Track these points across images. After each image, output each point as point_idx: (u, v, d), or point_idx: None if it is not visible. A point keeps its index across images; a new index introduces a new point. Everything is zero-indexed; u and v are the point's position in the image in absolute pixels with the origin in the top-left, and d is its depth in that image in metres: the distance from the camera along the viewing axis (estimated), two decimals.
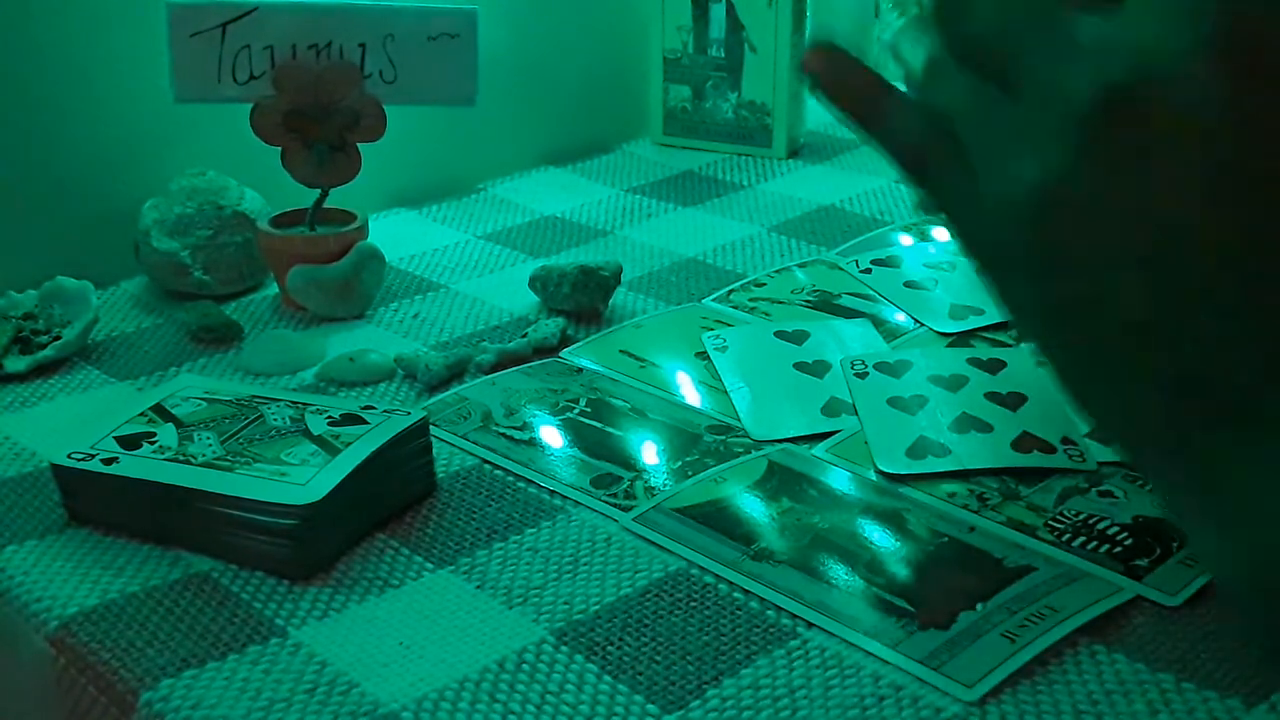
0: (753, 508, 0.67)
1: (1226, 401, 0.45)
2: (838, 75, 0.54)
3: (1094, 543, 0.63)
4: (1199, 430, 0.46)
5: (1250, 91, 0.42)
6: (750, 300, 0.91)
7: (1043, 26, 0.46)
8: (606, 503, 0.69)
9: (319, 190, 0.91)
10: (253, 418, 0.70)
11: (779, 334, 0.85)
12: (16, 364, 0.83)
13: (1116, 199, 0.44)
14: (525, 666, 0.58)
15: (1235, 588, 0.49)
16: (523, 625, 0.60)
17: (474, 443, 0.74)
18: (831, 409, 0.76)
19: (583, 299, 0.88)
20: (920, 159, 0.52)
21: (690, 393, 0.79)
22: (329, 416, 0.70)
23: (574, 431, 0.75)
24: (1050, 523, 0.65)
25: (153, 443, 0.68)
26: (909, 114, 0.52)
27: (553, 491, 0.70)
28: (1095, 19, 0.45)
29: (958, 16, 0.49)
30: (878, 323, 0.87)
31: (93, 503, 0.68)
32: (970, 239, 0.51)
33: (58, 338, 0.85)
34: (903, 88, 0.53)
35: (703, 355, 0.83)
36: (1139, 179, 0.44)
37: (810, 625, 0.59)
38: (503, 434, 0.75)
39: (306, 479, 0.64)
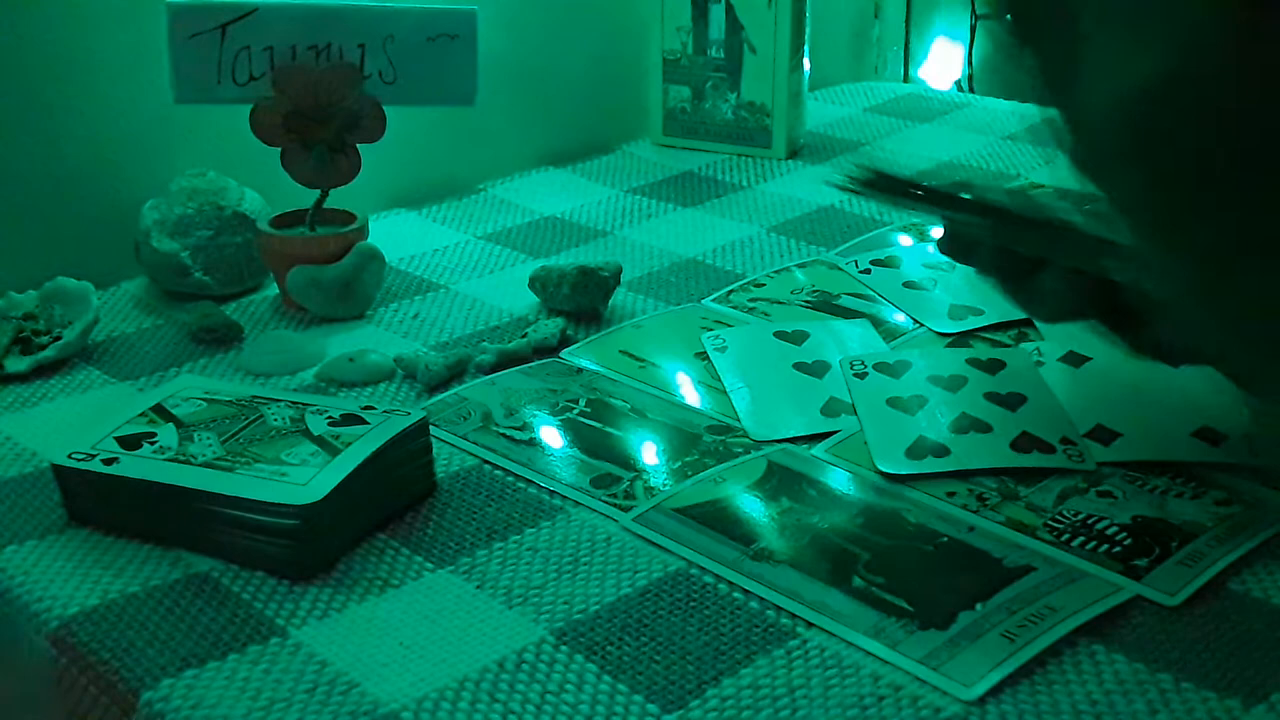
0: (752, 508, 0.67)
1: None
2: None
3: (1093, 543, 0.64)
4: None
5: None
6: (750, 300, 0.91)
7: None
8: (606, 503, 0.69)
9: (319, 191, 0.91)
10: (253, 418, 0.70)
11: (779, 334, 0.85)
12: (17, 364, 0.83)
13: (1238, 78, 0.43)
14: (525, 666, 0.58)
15: None
16: (523, 625, 0.60)
17: (474, 443, 0.74)
18: (831, 409, 0.76)
19: (582, 299, 0.89)
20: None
21: (690, 393, 0.79)
22: (329, 417, 0.70)
23: (574, 431, 0.75)
24: (1049, 523, 0.65)
25: (153, 443, 0.68)
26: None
27: (553, 491, 0.70)
28: None
29: None
30: (877, 323, 0.87)
31: (93, 503, 0.68)
32: (1079, 128, 0.50)
33: (58, 338, 0.85)
34: None
35: (702, 355, 0.83)
36: (1263, 55, 0.42)
37: (810, 625, 0.59)
38: (503, 434, 0.75)
39: (307, 479, 0.64)
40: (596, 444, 0.74)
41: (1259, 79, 0.43)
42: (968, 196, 0.75)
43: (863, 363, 0.80)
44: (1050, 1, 0.50)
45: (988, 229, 0.72)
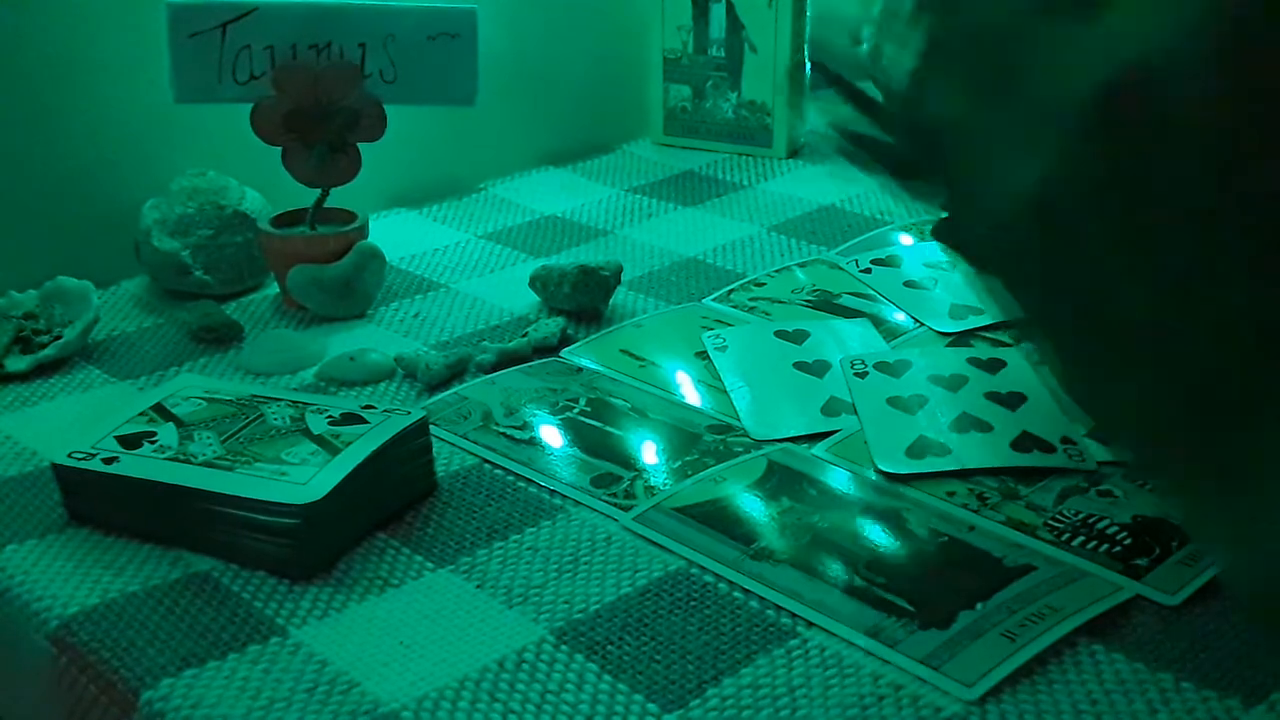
0: (752, 507, 0.67)
1: (1249, 399, 0.44)
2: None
3: (1093, 542, 0.64)
4: (1220, 430, 0.44)
5: (1245, 88, 0.42)
6: (750, 300, 0.91)
7: (1040, 21, 0.46)
8: (606, 502, 0.69)
9: (319, 190, 0.91)
10: (253, 417, 0.70)
11: (779, 334, 0.85)
12: (18, 363, 0.83)
13: (1114, 193, 0.44)
14: (525, 666, 0.58)
15: (1243, 590, 0.48)
16: (523, 625, 0.60)
17: (474, 442, 0.74)
18: (831, 409, 0.76)
19: (583, 299, 0.89)
20: (909, 170, 0.52)
21: (690, 392, 0.79)
22: (329, 416, 0.70)
23: (574, 431, 0.75)
24: (1050, 522, 0.65)
25: (153, 442, 0.68)
26: (895, 128, 0.52)
27: (553, 491, 0.70)
28: (1092, 12, 0.45)
29: (953, 8, 0.49)
30: (878, 322, 0.87)
31: (93, 502, 0.68)
32: (968, 243, 0.50)
33: (59, 337, 0.85)
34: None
35: (703, 355, 0.83)
36: (1136, 172, 0.43)
37: (810, 625, 0.59)
38: (503, 433, 0.75)
39: (307, 478, 0.64)
40: (597, 443, 0.74)
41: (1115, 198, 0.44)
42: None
43: (863, 362, 0.80)
44: (934, 133, 0.50)
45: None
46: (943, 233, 0.69)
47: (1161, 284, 0.44)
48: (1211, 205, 0.43)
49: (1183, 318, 0.44)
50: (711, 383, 0.80)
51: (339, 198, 0.92)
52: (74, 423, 0.77)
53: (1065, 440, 0.71)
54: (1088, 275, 0.45)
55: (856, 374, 0.79)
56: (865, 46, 0.66)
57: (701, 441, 0.73)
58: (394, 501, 0.69)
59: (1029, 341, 0.51)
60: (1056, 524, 0.65)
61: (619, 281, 0.90)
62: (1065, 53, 0.44)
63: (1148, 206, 0.43)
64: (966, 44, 0.48)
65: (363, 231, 0.92)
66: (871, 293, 0.91)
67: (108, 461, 0.67)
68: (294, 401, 0.72)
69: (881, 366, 0.80)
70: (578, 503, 0.69)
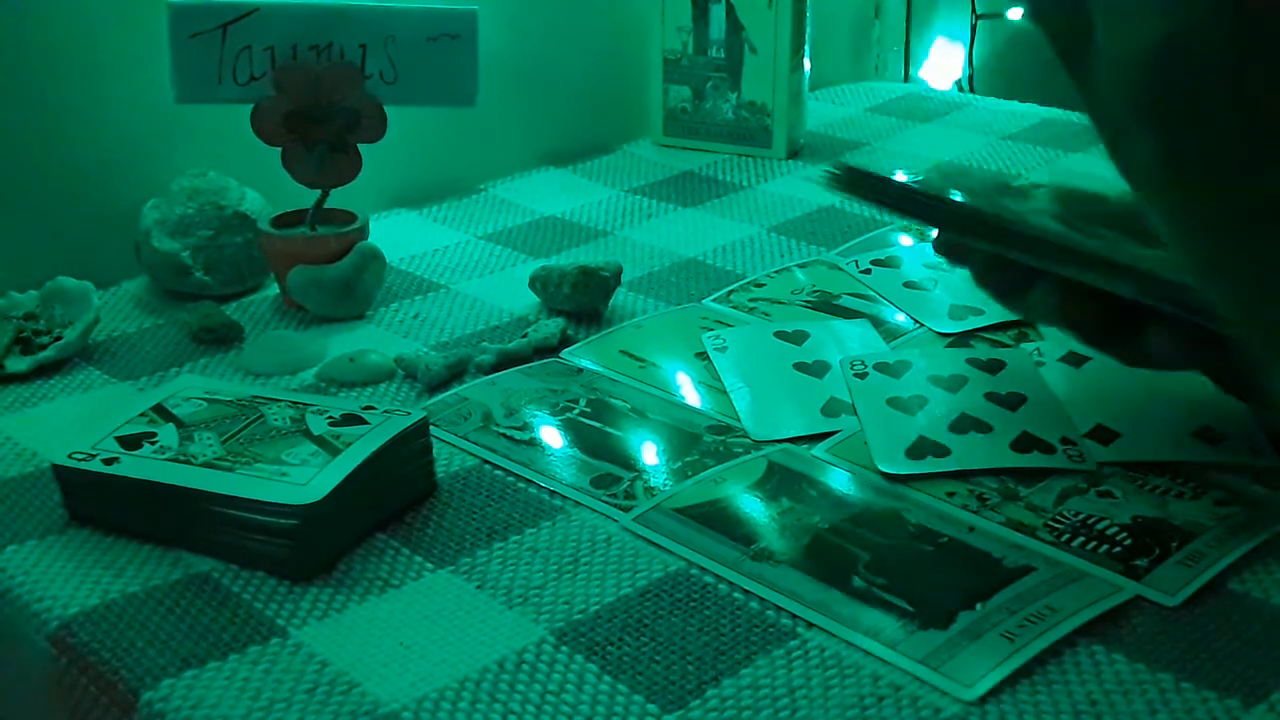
0: (752, 508, 0.67)
1: None
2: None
3: (1093, 543, 0.64)
4: None
5: None
6: (750, 300, 0.91)
7: None
8: (606, 503, 0.69)
9: (320, 191, 0.91)
10: (253, 418, 0.70)
11: (779, 334, 0.85)
12: (18, 364, 0.83)
13: (1237, 49, 0.43)
14: (525, 666, 0.58)
15: None
16: (523, 625, 0.60)
17: (474, 443, 0.74)
18: (831, 409, 0.76)
19: (583, 299, 0.89)
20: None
21: (690, 393, 0.79)
22: (329, 417, 0.70)
23: (574, 432, 0.75)
24: (1050, 523, 0.65)
25: (153, 443, 0.68)
26: None
27: (553, 491, 0.70)
28: None
29: None
30: (877, 323, 0.87)
31: (93, 503, 0.68)
32: (1093, 96, 0.50)
33: (59, 338, 0.85)
34: None
35: (703, 355, 0.83)
36: (1260, 30, 0.42)
37: (810, 625, 0.59)
38: (503, 434, 0.75)
39: (307, 479, 0.64)
40: (597, 444, 0.74)
41: (1257, 42, 0.43)
42: (946, 202, 0.74)
43: (863, 363, 0.80)
44: None
45: (975, 236, 0.71)
46: (942, 245, 0.68)
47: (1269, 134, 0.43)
48: None
49: None
50: (711, 383, 0.80)
51: (339, 198, 0.92)
52: (74, 423, 0.77)
53: (1065, 441, 0.71)
54: (1218, 124, 0.45)
55: (856, 375, 0.79)
56: None
57: (701, 442, 0.73)
58: (394, 502, 0.69)
59: (1152, 199, 0.49)
60: (1056, 525, 0.65)
61: (619, 282, 0.90)
62: None
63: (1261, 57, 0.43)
64: None
65: (363, 232, 0.92)
66: (871, 293, 0.91)
67: (108, 462, 0.67)
68: (294, 402, 0.72)
69: (881, 367, 0.80)
70: (578, 503, 0.69)
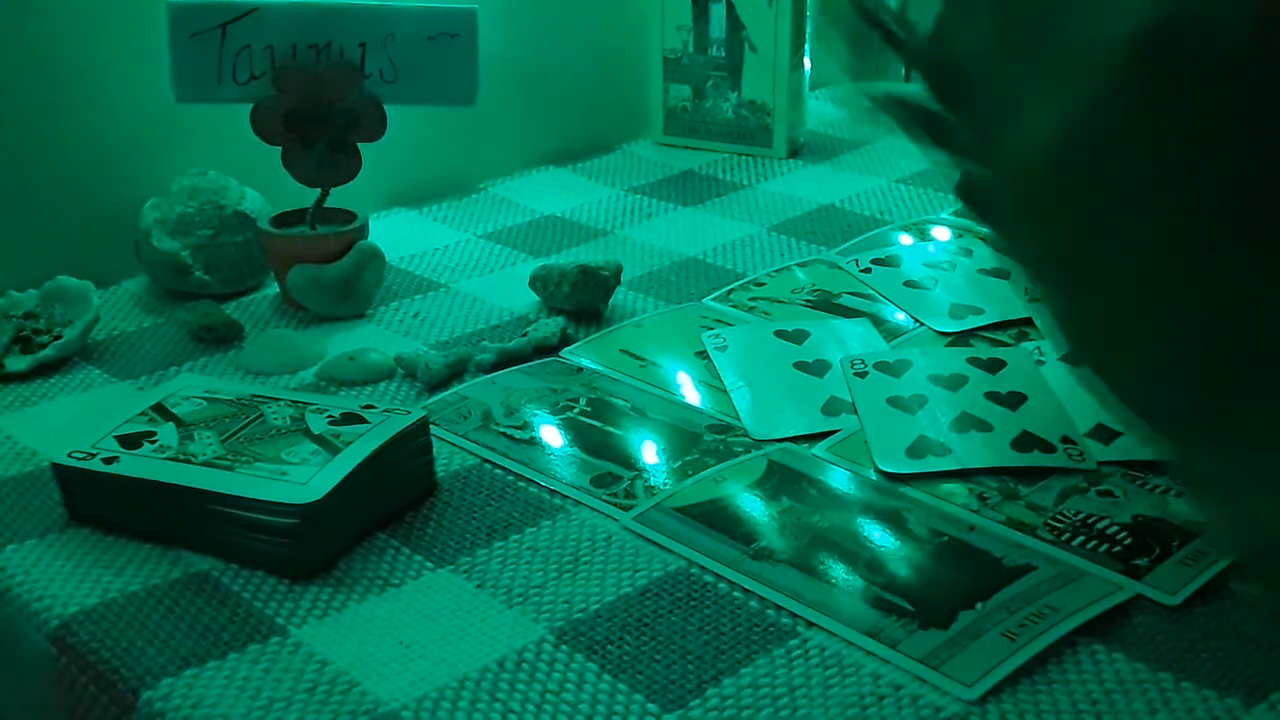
0: (752, 507, 0.67)
1: (1256, 352, 0.43)
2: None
3: (1093, 542, 0.64)
4: (1226, 386, 0.44)
5: (1273, 37, 0.41)
6: (750, 300, 0.91)
7: None
8: (606, 502, 0.69)
9: (319, 190, 0.91)
10: (253, 417, 0.70)
11: (779, 333, 0.85)
12: (17, 363, 0.83)
13: (1139, 144, 0.43)
14: (525, 666, 0.58)
15: (1240, 548, 0.48)
16: (523, 624, 0.60)
17: (474, 442, 0.74)
18: (831, 408, 0.76)
19: (583, 298, 0.89)
20: (934, 118, 0.51)
21: (690, 392, 0.79)
22: (329, 416, 0.70)
23: (574, 431, 0.75)
24: (1050, 522, 0.65)
25: (153, 442, 0.68)
26: (920, 67, 0.51)
27: (553, 491, 0.70)
28: None
29: None
30: (878, 322, 0.87)
31: (93, 502, 0.68)
32: (988, 197, 0.50)
33: (59, 337, 0.85)
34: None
35: (703, 355, 0.83)
36: (1163, 125, 0.43)
37: (810, 625, 0.59)
38: (503, 433, 0.75)
39: (307, 478, 0.64)
40: (597, 443, 0.74)
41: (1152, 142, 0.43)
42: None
43: (863, 362, 0.80)
44: (961, 75, 0.50)
45: None
46: (964, 189, 0.68)
47: (1176, 243, 0.43)
48: (1239, 167, 0.42)
49: (1192, 278, 0.43)
50: (711, 382, 0.80)
51: (339, 198, 0.92)
52: (74, 423, 0.77)
53: (1065, 440, 0.71)
54: (1104, 228, 0.45)
55: (856, 374, 0.79)
56: None
57: (701, 441, 0.73)
58: (394, 501, 0.69)
59: (1042, 292, 0.50)
60: (1056, 524, 0.65)
61: (619, 281, 0.90)
62: None
63: (1172, 162, 0.43)
64: None
65: (363, 231, 0.92)
66: (871, 292, 0.91)
67: (108, 461, 0.67)
68: (294, 401, 0.72)
69: (881, 366, 0.80)
70: (578, 503, 0.69)
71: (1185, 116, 0.42)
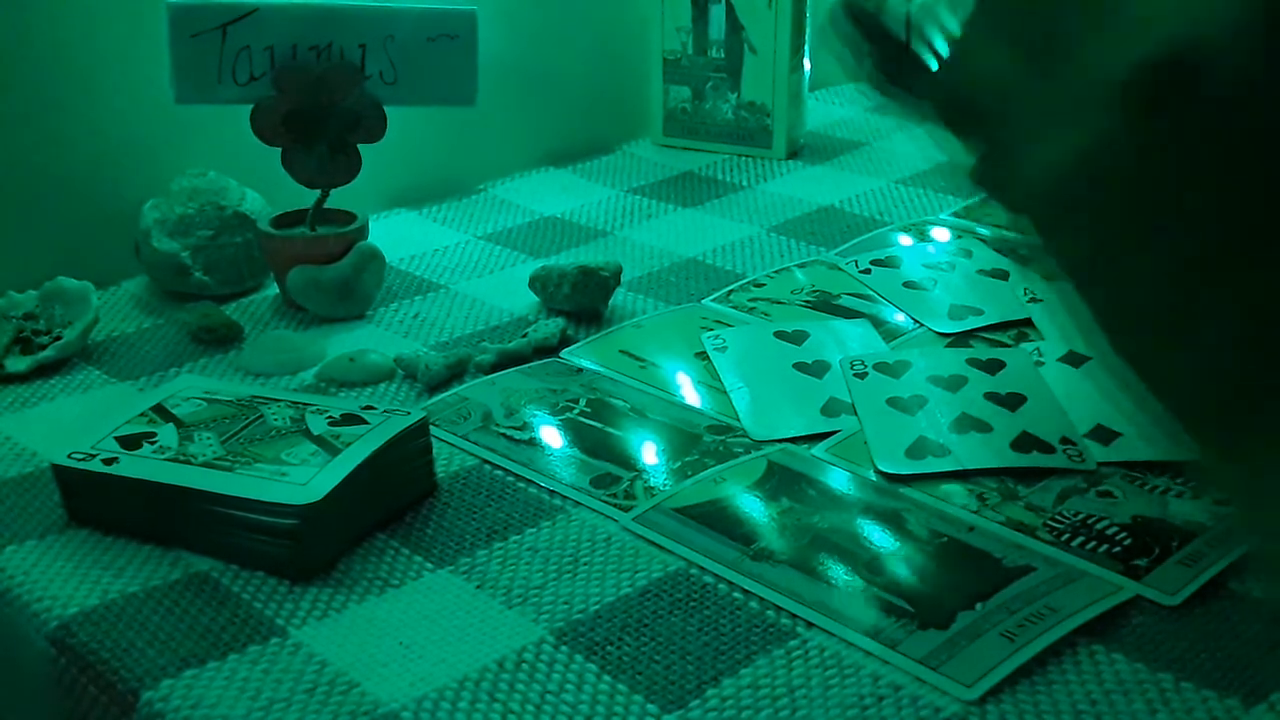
0: (752, 508, 0.67)
1: (1257, 385, 0.43)
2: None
3: (1093, 542, 0.64)
4: (1260, 393, 0.44)
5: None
6: (750, 300, 0.91)
7: None
8: (606, 503, 0.69)
9: (319, 191, 0.91)
10: (253, 418, 0.70)
11: (779, 334, 0.85)
12: (17, 364, 0.83)
13: (1152, 172, 0.43)
14: (525, 666, 0.58)
15: (1263, 554, 0.48)
16: (523, 625, 0.60)
17: (474, 443, 0.74)
18: (831, 409, 0.76)
19: (583, 299, 0.89)
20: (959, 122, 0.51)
21: (690, 393, 0.79)
22: (329, 416, 0.70)
23: (574, 431, 0.75)
24: (1049, 523, 0.65)
25: (153, 443, 0.68)
26: (936, 90, 0.52)
27: (553, 491, 0.70)
28: None
29: None
30: (877, 323, 0.87)
31: (93, 503, 0.68)
32: (1009, 204, 0.50)
33: (58, 338, 0.85)
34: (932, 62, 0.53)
35: (702, 355, 0.83)
36: (1176, 153, 0.43)
37: (810, 625, 0.59)
38: (503, 434, 0.75)
39: (307, 479, 0.64)
40: (596, 444, 0.74)
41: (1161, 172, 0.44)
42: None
43: (863, 362, 0.80)
44: (972, 104, 0.50)
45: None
46: (980, 177, 0.68)
47: (1190, 266, 0.44)
48: (1250, 191, 0.42)
49: (1210, 299, 0.44)
50: (711, 383, 0.80)
51: (339, 198, 0.92)
52: (74, 423, 0.77)
53: (1065, 441, 0.71)
54: (1116, 252, 0.45)
55: (856, 374, 0.79)
56: (913, 4, 0.65)
57: (701, 442, 0.73)
58: (394, 502, 0.69)
59: (1067, 286, 0.50)
60: (1056, 524, 0.65)
61: (618, 282, 0.90)
62: (1114, 22, 0.44)
63: (1185, 187, 0.43)
64: (1017, 7, 0.48)
65: (363, 232, 0.92)
66: (871, 293, 0.91)
67: (108, 462, 0.67)
68: (294, 402, 0.72)
69: (881, 367, 0.80)
70: (577, 503, 0.69)
71: (1194, 144, 0.42)
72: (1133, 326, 0.48)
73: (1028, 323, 0.85)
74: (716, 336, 0.85)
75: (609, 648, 0.59)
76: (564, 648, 0.59)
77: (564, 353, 0.84)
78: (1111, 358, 0.49)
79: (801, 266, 0.97)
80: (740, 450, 0.72)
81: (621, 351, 0.84)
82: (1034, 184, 0.46)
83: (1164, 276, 0.45)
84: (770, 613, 0.60)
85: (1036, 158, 0.46)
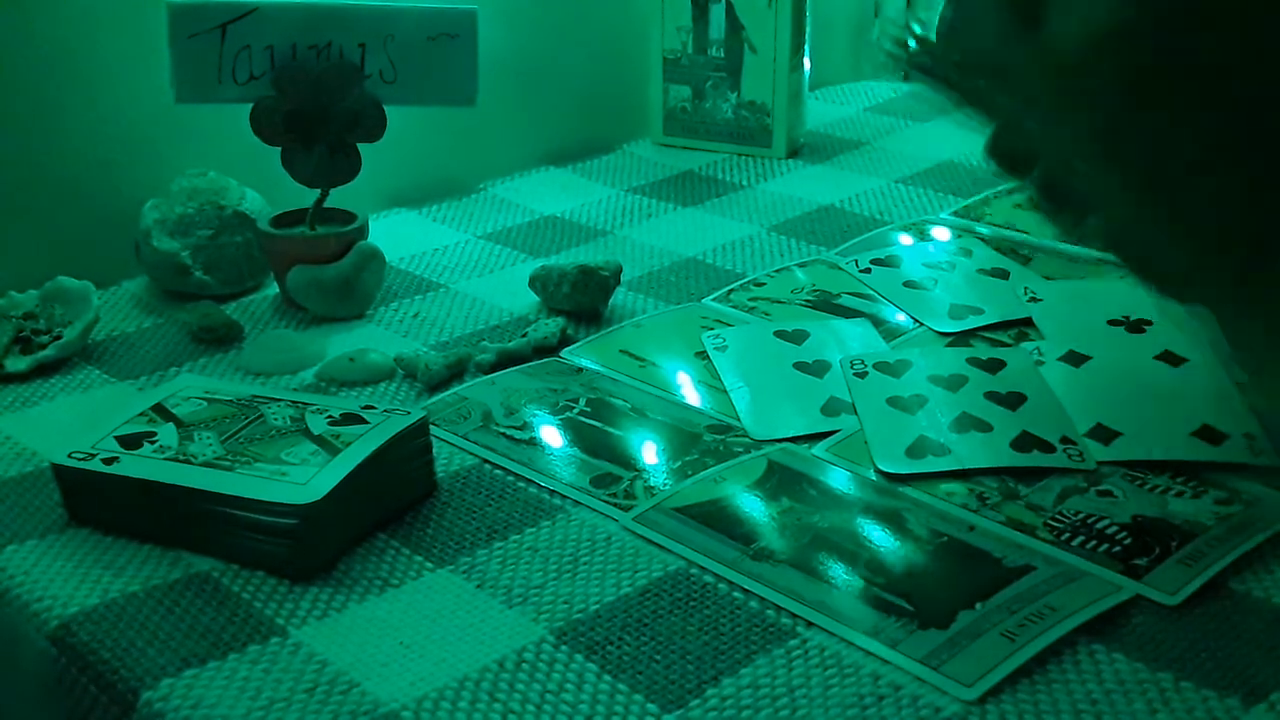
0: (752, 507, 0.67)
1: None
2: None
3: (1093, 542, 0.64)
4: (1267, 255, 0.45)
5: None
6: (750, 300, 0.91)
7: None
8: (606, 502, 0.69)
9: (319, 190, 0.91)
10: (253, 417, 0.70)
11: (779, 334, 0.85)
12: (17, 364, 0.83)
13: (1187, 28, 0.44)
14: (525, 666, 0.58)
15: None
16: (523, 625, 0.60)
17: (474, 442, 0.74)
18: (831, 409, 0.76)
19: (582, 299, 0.89)
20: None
21: (690, 392, 0.79)
22: (329, 416, 0.70)
23: (574, 431, 0.75)
24: (1049, 522, 0.65)
25: (153, 442, 0.68)
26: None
27: (553, 491, 0.70)
28: None
29: None
30: (877, 322, 0.87)
31: (93, 502, 0.68)
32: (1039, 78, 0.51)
33: (58, 337, 0.85)
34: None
35: (703, 355, 0.83)
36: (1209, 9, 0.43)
37: (810, 625, 0.59)
38: (503, 434, 0.75)
39: (306, 479, 0.64)
40: (596, 443, 0.74)
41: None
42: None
43: (863, 362, 0.80)
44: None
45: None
46: (1000, 140, 0.67)
47: (1226, 131, 0.44)
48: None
49: (1239, 167, 0.44)
50: (711, 383, 0.80)
51: (339, 198, 0.92)
52: (74, 423, 0.77)
53: (1065, 440, 0.71)
54: (1150, 121, 0.45)
55: (856, 374, 0.79)
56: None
57: (701, 441, 0.73)
58: (394, 501, 0.69)
59: (1088, 169, 0.51)
60: (1056, 524, 0.65)
61: (618, 282, 0.90)
62: None
63: (1221, 47, 0.43)
64: None
65: (363, 232, 0.92)
66: (871, 293, 0.91)
67: (108, 462, 0.67)
68: (294, 402, 0.72)
69: (881, 366, 0.80)
70: (577, 503, 0.69)
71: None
72: (1164, 182, 0.47)
73: (1028, 322, 0.85)
74: (717, 336, 0.85)
75: (609, 647, 0.59)
76: (564, 647, 0.59)
77: (564, 352, 0.84)
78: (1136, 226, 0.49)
79: (802, 266, 0.97)
80: (740, 450, 0.72)
81: (621, 351, 0.84)
82: (1059, 58, 0.47)
83: (1193, 132, 0.45)
84: (770, 612, 0.60)
85: (1065, 21, 0.46)
